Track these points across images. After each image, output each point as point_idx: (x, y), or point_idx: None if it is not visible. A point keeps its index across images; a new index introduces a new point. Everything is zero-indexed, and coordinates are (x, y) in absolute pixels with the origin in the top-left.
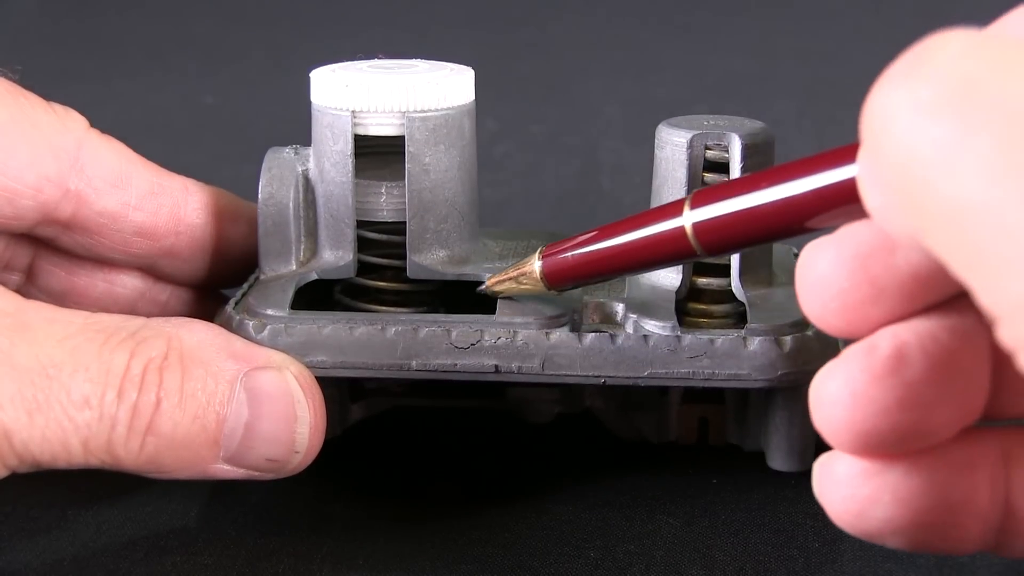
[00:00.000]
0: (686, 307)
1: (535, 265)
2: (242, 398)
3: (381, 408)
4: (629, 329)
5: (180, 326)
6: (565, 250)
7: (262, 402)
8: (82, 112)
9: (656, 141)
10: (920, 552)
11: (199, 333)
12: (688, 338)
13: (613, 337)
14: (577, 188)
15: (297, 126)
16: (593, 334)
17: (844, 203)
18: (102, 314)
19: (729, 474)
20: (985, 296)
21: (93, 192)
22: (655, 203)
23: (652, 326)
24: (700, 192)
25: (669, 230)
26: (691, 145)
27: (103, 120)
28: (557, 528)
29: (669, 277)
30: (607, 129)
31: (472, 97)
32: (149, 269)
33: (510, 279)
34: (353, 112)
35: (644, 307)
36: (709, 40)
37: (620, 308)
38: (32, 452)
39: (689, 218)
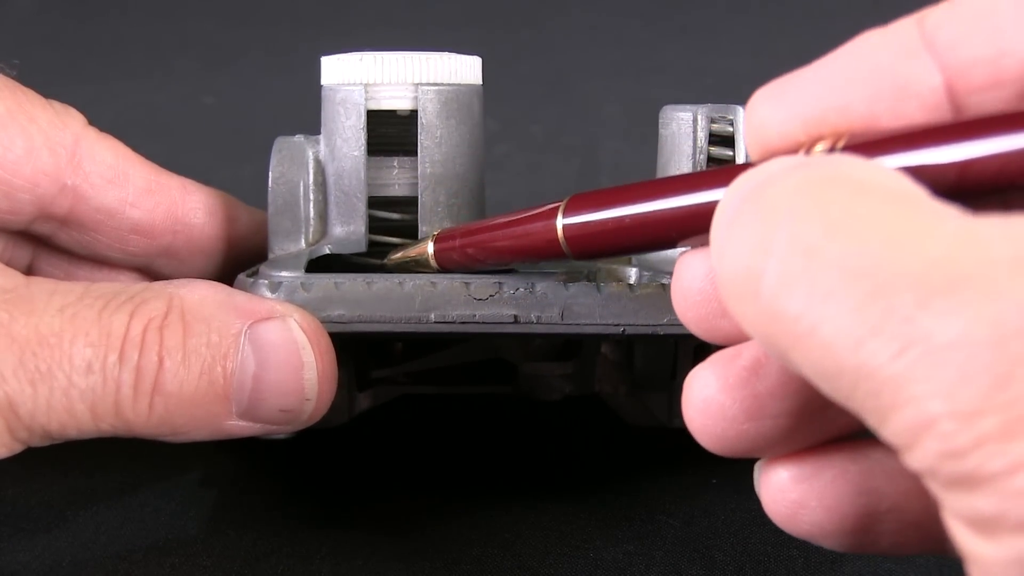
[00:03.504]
0: None
1: (428, 248)
2: (248, 351)
3: (388, 397)
4: (645, 281)
5: (182, 286)
6: (454, 237)
7: (267, 352)
8: (82, 112)
9: (660, 122)
10: (860, 553)
11: (201, 290)
12: None
13: (631, 287)
14: (577, 188)
15: (298, 126)
16: (612, 283)
17: (708, 228)
18: (103, 282)
19: (729, 474)
20: (881, 432)
21: (90, 188)
22: None
23: (668, 279)
24: (574, 199)
25: (542, 233)
26: (696, 118)
27: (102, 120)
28: (557, 528)
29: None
30: (607, 129)
31: (480, 82)
32: (146, 269)
33: (409, 257)
34: (366, 86)
35: (657, 267)
36: (709, 40)
37: (633, 271)
38: (40, 423)
39: (560, 224)
